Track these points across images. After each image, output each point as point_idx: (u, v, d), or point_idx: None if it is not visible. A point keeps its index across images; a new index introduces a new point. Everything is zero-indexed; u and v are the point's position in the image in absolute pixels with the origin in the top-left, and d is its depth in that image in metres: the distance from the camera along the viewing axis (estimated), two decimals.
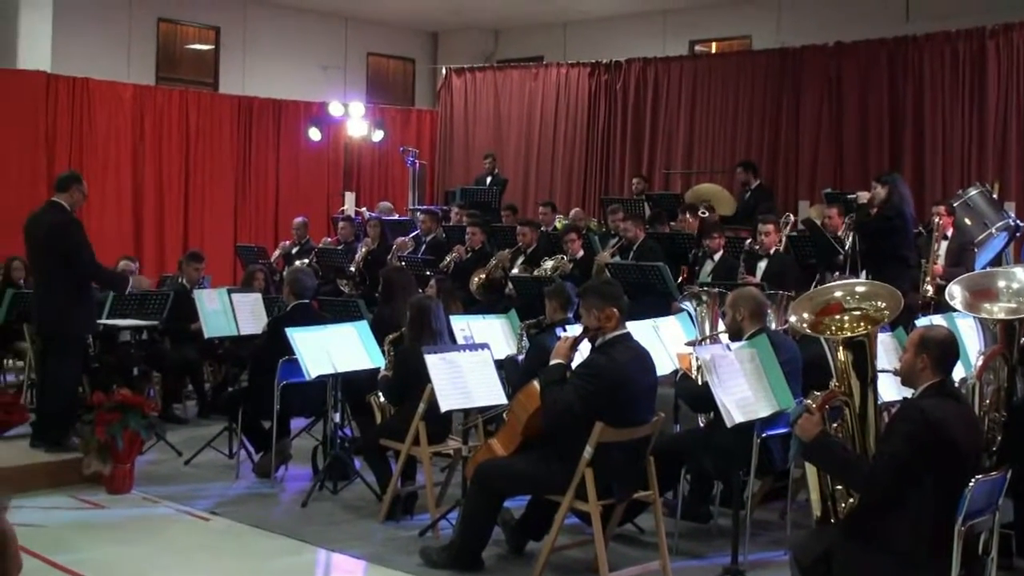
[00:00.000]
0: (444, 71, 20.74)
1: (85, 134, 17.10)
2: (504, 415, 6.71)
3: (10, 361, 12.07)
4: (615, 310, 6.01)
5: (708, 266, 11.34)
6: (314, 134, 18.61)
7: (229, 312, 9.86)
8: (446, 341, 7.59)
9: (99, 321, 9.90)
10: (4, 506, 2.65)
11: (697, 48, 18.99)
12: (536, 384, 6.08)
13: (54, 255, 8.43)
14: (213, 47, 19.65)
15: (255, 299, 10.20)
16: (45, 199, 15.49)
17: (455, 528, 6.62)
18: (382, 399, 7.87)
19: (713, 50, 18.95)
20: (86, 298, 8.67)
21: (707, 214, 12.93)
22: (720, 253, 11.35)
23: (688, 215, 12.80)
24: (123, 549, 6.95)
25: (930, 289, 10.11)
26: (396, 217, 15.85)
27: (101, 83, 17.30)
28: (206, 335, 9.89)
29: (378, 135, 19.02)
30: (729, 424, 6.08)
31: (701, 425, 7.27)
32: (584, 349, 6.16)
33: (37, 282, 8.93)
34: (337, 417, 8.17)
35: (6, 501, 2.66)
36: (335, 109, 18.48)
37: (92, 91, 17.14)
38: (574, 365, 6.07)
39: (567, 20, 20.28)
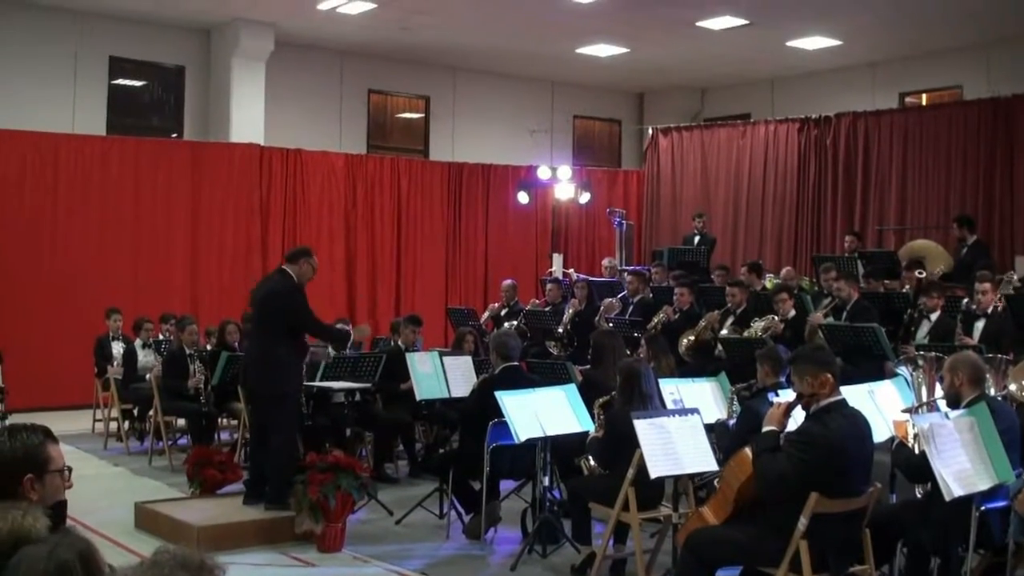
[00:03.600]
0: (650, 131, 20.78)
1: (299, 203, 17.73)
2: (715, 482, 6.56)
3: (225, 420, 12.49)
4: (829, 376, 5.83)
5: (925, 327, 10.93)
6: (522, 197, 18.79)
7: (441, 375, 9.98)
8: (656, 405, 7.51)
9: (314, 383, 10.17)
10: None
11: (907, 100, 18.60)
12: (748, 451, 5.94)
13: (268, 317, 8.74)
14: (423, 115, 20.17)
15: (466, 362, 10.30)
16: (260, 266, 16.60)
17: None
18: (592, 462, 7.81)
19: (923, 102, 18.52)
20: (297, 359, 8.93)
21: (923, 275, 12.49)
22: (938, 313, 10.93)
23: (914, 271, 12.34)
24: None
25: None
26: (604, 278, 15.84)
27: (314, 154, 17.94)
28: (418, 397, 10.01)
29: (585, 197, 19.06)
30: (948, 498, 5.83)
31: (918, 496, 6.98)
32: (798, 415, 5.99)
33: (251, 343, 9.20)
34: (546, 480, 8.10)
35: (220, 573, 2.70)
36: (543, 173, 18.62)
37: (305, 162, 17.79)
38: (788, 432, 5.91)
39: (774, 76, 20.13)
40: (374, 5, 15.99)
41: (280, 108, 17.91)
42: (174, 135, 17.68)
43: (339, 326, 11.31)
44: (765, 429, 5.95)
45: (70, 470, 3.75)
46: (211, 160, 16.91)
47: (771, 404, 6.22)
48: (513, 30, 17.53)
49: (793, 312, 11.68)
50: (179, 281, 16.49)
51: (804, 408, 5.92)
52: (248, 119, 17.35)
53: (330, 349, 11.25)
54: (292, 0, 15.96)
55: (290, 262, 8.91)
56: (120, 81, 17.34)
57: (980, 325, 10.48)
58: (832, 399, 5.85)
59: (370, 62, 19.20)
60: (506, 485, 8.95)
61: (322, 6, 16.07)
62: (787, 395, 6.40)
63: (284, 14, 16.70)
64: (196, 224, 16.72)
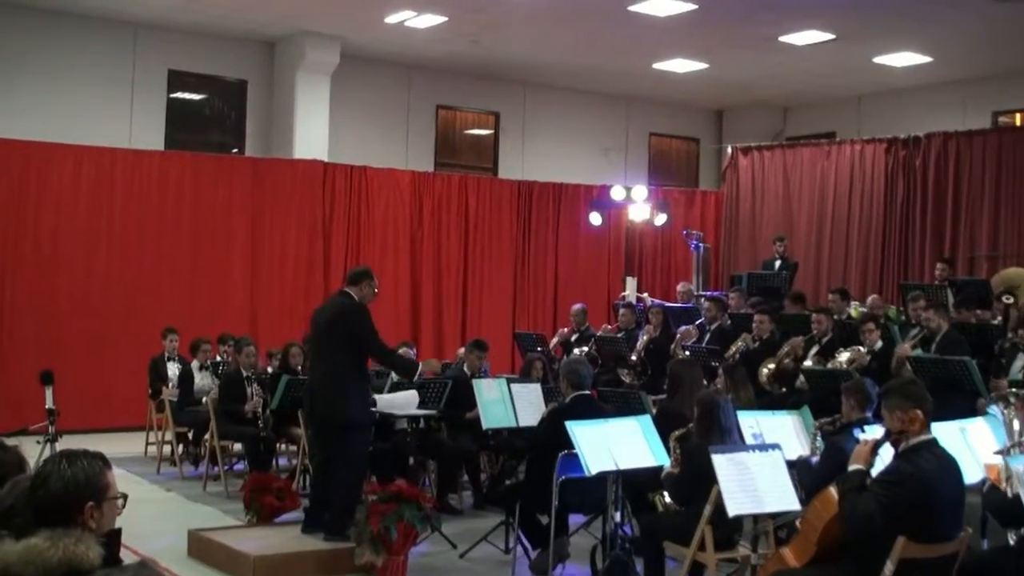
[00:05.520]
0: (730, 150, 20.54)
1: (362, 221, 17.63)
2: (797, 522, 6.35)
3: (283, 446, 12.30)
4: (919, 412, 5.63)
5: (1019, 361, 10.46)
6: (595, 218, 18.48)
7: (508, 402, 9.85)
8: (735, 439, 7.33)
9: (377, 410, 9.95)
10: None
11: (1001, 120, 18.27)
12: (833, 490, 5.71)
13: (336, 340, 8.63)
14: (492, 132, 20.04)
15: (534, 390, 10.13)
16: (322, 286, 16.46)
17: None
18: (667, 498, 7.66)
19: (1017, 122, 18.15)
20: (363, 386, 8.81)
21: (1012, 300, 12.03)
22: None
23: (1004, 302, 11.89)
24: None
25: None
26: (680, 304, 15.50)
27: (379, 171, 17.84)
28: (484, 426, 9.89)
29: (661, 218, 18.68)
30: None
31: (1011, 542, 6.69)
32: (885, 453, 5.78)
33: (316, 368, 9.05)
34: (618, 515, 7.87)
35: None
36: (617, 193, 18.32)
37: (370, 179, 17.70)
38: (875, 471, 5.69)
39: (861, 94, 19.91)
40: (444, 18, 15.94)
41: (345, 123, 17.84)
42: (235, 151, 17.67)
43: (402, 350, 11.07)
44: (851, 467, 5.78)
45: (125, 497, 3.75)
46: (273, 177, 16.81)
47: (857, 441, 6.15)
48: (587, 44, 17.39)
49: (880, 343, 11.28)
50: (238, 301, 16.42)
51: (893, 446, 5.75)
52: (312, 135, 17.29)
53: (393, 374, 11.02)
54: (359, 13, 15.94)
55: (352, 284, 8.84)
56: (179, 95, 17.32)
57: None
58: (922, 437, 5.70)
59: (438, 77, 19.11)
60: (575, 520, 8.83)
61: (390, 19, 16.04)
62: (874, 431, 6.26)
63: (351, 27, 16.66)
64: (256, 243, 16.64)
